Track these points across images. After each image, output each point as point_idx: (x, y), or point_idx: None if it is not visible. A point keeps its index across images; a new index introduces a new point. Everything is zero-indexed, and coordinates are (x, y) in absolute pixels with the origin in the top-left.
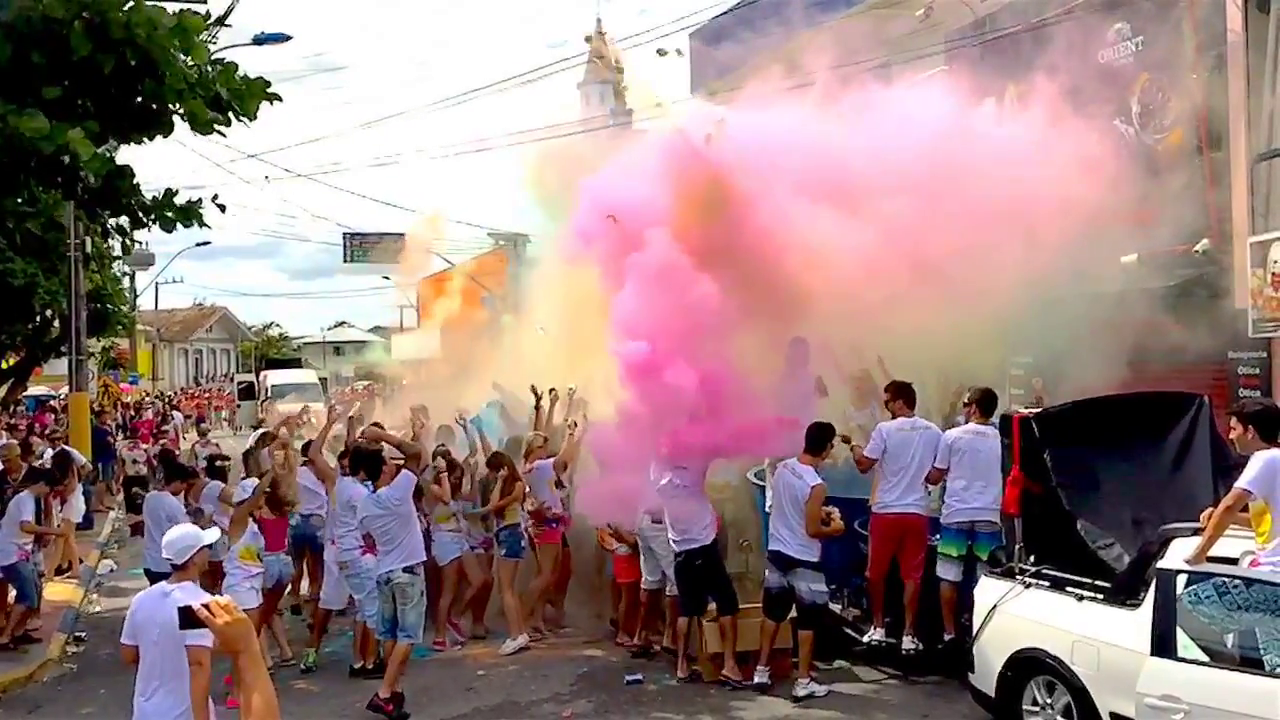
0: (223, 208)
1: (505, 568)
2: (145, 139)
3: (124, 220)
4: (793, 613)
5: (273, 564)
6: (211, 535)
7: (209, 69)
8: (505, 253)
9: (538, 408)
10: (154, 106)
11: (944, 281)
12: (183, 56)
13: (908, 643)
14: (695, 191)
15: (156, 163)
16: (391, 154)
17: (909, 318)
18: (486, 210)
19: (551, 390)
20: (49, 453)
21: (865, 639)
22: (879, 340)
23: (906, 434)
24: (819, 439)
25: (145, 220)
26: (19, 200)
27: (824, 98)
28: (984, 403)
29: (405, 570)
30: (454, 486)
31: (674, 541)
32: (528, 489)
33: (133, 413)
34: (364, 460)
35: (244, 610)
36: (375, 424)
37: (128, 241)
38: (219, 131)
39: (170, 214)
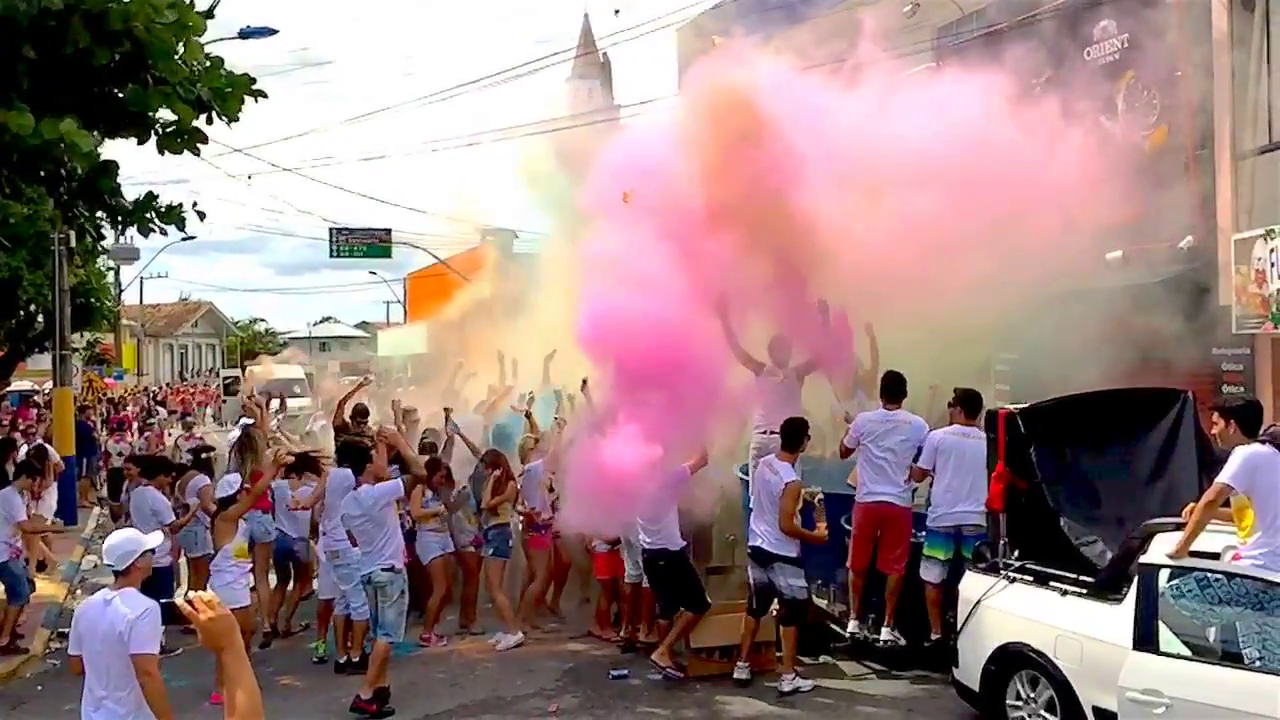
0: (202, 215)
1: (493, 567)
2: (124, 137)
3: (102, 218)
4: (775, 606)
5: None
6: (154, 540)
7: (199, 67)
8: (494, 247)
9: (528, 414)
10: (137, 109)
11: (937, 276)
12: (179, 52)
13: (885, 634)
14: (723, 110)
15: (140, 156)
16: (378, 149)
17: (903, 311)
18: (477, 205)
19: (530, 403)
20: (25, 449)
21: (846, 632)
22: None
23: (878, 424)
24: (794, 436)
25: (125, 222)
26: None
27: (831, 82)
28: (968, 404)
29: (384, 570)
30: (436, 487)
31: (643, 541)
32: (520, 491)
33: (114, 408)
34: (350, 453)
35: (234, 608)
36: (359, 405)
37: (101, 245)
38: (193, 150)
39: (150, 215)
